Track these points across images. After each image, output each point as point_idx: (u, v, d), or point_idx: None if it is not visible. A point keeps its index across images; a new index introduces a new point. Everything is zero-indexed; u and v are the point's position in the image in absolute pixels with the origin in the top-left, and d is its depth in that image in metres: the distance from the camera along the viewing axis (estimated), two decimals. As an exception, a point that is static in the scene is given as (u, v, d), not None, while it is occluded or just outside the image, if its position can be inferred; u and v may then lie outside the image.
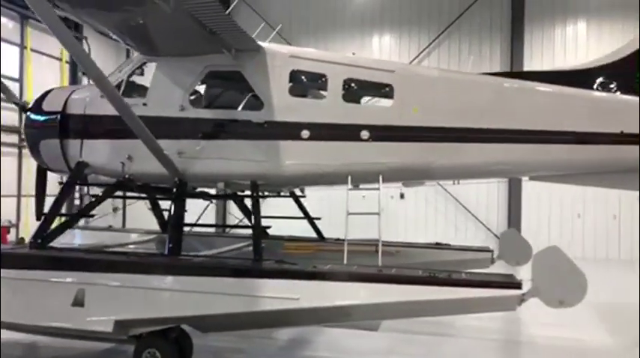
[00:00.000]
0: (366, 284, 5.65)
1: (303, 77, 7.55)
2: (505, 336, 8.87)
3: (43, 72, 17.82)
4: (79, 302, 5.93)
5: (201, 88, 7.71)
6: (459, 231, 20.04)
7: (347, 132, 6.72)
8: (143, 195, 8.21)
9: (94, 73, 5.70)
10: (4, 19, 16.40)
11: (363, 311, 5.76)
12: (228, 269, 6.09)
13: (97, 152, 7.19)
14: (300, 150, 6.74)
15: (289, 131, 6.74)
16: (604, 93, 6.73)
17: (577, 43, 19.33)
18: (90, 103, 7.25)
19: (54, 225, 7.12)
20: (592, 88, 6.80)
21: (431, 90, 6.88)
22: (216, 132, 6.85)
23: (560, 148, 6.47)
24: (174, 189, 7.02)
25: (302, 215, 9.47)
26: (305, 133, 6.69)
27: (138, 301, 5.90)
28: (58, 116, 7.33)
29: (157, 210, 9.33)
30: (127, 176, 7.04)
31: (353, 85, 7.30)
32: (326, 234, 9.36)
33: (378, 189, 6.66)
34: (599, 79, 6.84)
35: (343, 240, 6.47)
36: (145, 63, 7.30)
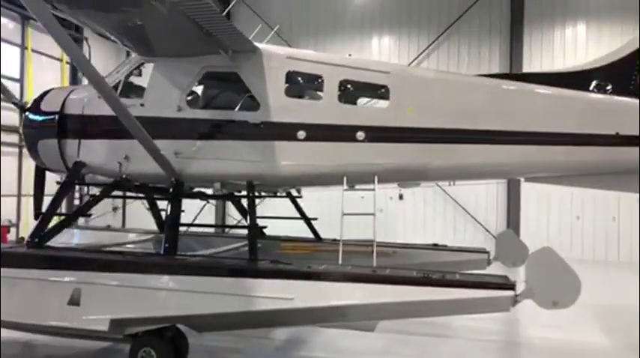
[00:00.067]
0: (360, 285, 5.68)
1: (299, 78, 7.59)
2: (501, 337, 8.88)
3: (44, 72, 17.88)
4: (75, 301, 5.97)
5: (198, 89, 7.73)
6: (458, 232, 20.04)
7: (343, 133, 6.75)
8: (140, 195, 8.24)
9: (91, 74, 5.74)
10: (5, 20, 16.46)
11: (357, 312, 5.78)
12: (223, 269, 6.13)
13: (95, 152, 7.23)
14: (296, 150, 6.78)
15: (285, 132, 6.77)
16: (599, 95, 6.76)
17: (576, 45, 19.33)
18: (88, 104, 7.29)
19: (52, 225, 7.15)
20: (589, 90, 6.83)
21: (426, 91, 6.91)
22: (212, 133, 6.90)
23: (555, 150, 6.49)
24: (171, 189, 7.05)
25: (298, 215, 9.50)
26: (301, 134, 6.73)
27: (133, 300, 5.94)
28: (56, 116, 7.37)
29: (154, 209, 9.38)
30: (124, 176, 7.08)
31: (349, 86, 7.33)
32: (326, 235, 9.38)
33: (373, 189, 6.69)
34: (595, 81, 6.88)
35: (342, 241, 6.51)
36: (142, 63, 7.34)
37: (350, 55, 8.32)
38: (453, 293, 5.48)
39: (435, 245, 9.37)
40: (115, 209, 20.22)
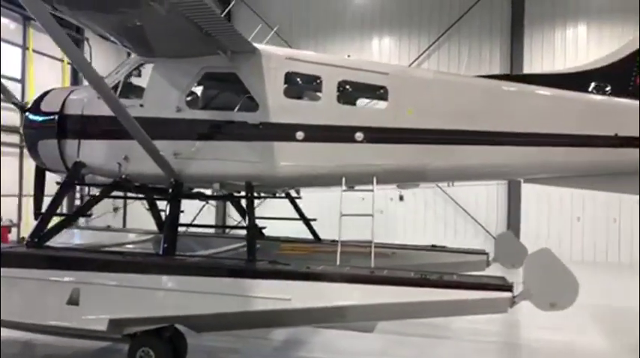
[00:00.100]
0: (358, 286, 5.68)
1: (298, 79, 7.61)
2: (500, 339, 8.88)
3: (45, 73, 17.94)
4: (74, 301, 5.98)
5: (198, 90, 7.75)
6: (459, 233, 20.04)
7: (341, 134, 6.76)
8: (140, 196, 8.26)
9: (90, 74, 5.76)
10: (6, 20, 16.52)
11: (354, 312, 5.78)
12: (221, 269, 6.14)
13: (94, 152, 7.25)
14: (294, 151, 6.79)
15: (284, 132, 6.78)
16: (598, 96, 6.75)
17: (577, 46, 19.34)
18: (87, 104, 7.31)
19: (51, 225, 7.17)
20: (588, 91, 6.83)
21: (425, 92, 6.91)
22: (211, 133, 6.91)
23: (554, 151, 6.49)
24: (170, 190, 7.06)
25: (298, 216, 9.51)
26: (300, 135, 6.74)
27: (132, 300, 5.95)
28: (56, 116, 7.39)
29: (154, 210, 9.39)
30: (123, 176, 7.10)
31: (348, 87, 7.34)
32: (326, 235, 9.39)
33: (372, 190, 6.70)
34: (594, 82, 6.87)
35: (342, 242, 6.52)
36: (142, 64, 7.36)
37: (349, 55, 8.31)
38: (451, 294, 5.48)
39: (434, 246, 9.37)
40: (115, 209, 20.26)
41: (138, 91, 7.45)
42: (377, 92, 7.35)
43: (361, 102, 7.76)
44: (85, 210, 7.62)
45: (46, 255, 6.49)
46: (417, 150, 6.69)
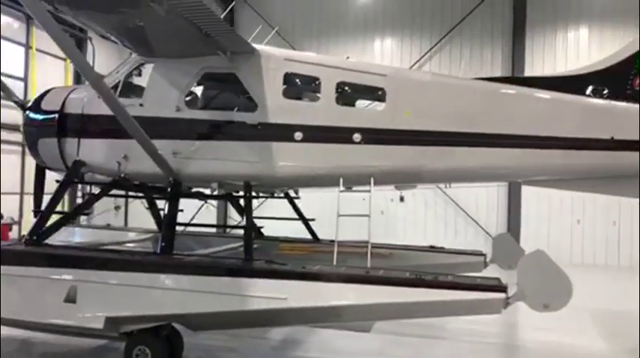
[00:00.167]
0: (353, 286, 5.72)
1: (297, 80, 7.65)
2: (496, 340, 8.89)
3: (48, 71, 18.02)
4: (71, 299, 6.03)
5: (197, 89, 7.79)
6: (459, 234, 20.05)
7: (339, 135, 6.80)
8: (139, 195, 8.32)
9: (88, 73, 5.82)
10: (9, 19, 16.60)
11: (350, 312, 5.83)
12: (218, 268, 6.19)
13: (94, 151, 7.31)
14: (293, 152, 6.83)
15: (282, 133, 6.83)
16: (595, 99, 6.78)
17: (579, 49, 19.33)
18: (87, 103, 7.36)
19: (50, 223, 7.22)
20: (585, 94, 6.85)
21: (423, 94, 6.94)
22: (210, 133, 6.96)
23: (550, 153, 6.51)
24: (169, 189, 7.11)
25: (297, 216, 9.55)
26: (298, 135, 6.78)
27: (129, 298, 6.00)
28: (56, 115, 7.45)
29: (153, 209, 9.44)
30: (122, 175, 7.15)
31: (346, 88, 7.38)
32: (327, 235, 9.41)
33: (369, 191, 6.74)
34: (592, 85, 6.89)
35: (339, 242, 6.56)
36: (142, 64, 7.41)
37: (348, 57, 8.35)
38: (445, 294, 5.52)
39: (432, 247, 9.41)
40: (117, 208, 20.33)
41: (138, 91, 7.50)
42: (375, 93, 7.38)
43: (360, 103, 7.79)
44: (83, 208, 7.66)
45: (43, 253, 6.55)
46: (415, 151, 6.72)
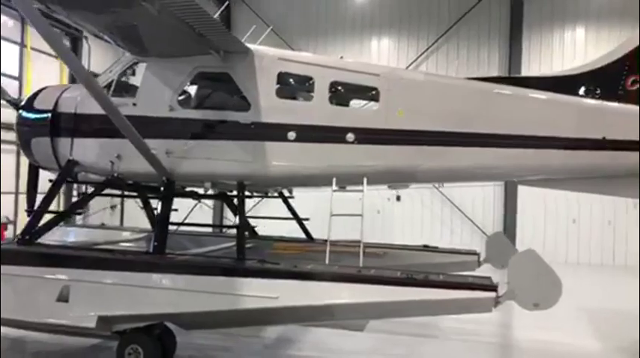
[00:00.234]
0: (345, 285, 5.74)
1: (290, 79, 7.66)
2: (490, 339, 8.91)
3: (43, 70, 17.98)
4: (63, 298, 6.03)
5: (190, 89, 7.79)
6: (455, 233, 20.09)
7: (333, 135, 6.80)
8: (133, 194, 8.32)
9: (80, 72, 5.82)
10: (4, 18, 16.56)
11: (341, 311, 5.84)
12: (210, 267, 6.20)
13: (87, 150, 7.30)
14: (286, 151, 6.84)
15: (276, 132, 6.83)
16: (587, 99, 6.81)
17: (575, 49, 19.39)
18: (80, 102, 7.35)
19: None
20: (578, 94, 6.88)
21: (416, 93, 6.96)
22: (203, 133, 6.96)
23: (542, 153, 6.53)
24: (162, 188, 7.11)
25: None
26: (291, 135, 6.79)
27: (121, 297, 6.00)
28: (49, 114, 7.44)
29: (147, 208, 9.43)
30: (116, 174, 7.15)
31: (339, 87, 7.39)
32: (322, 235, 9.42)
33: (362, 191, 6.75)
34: (585, 85, 6.92)
35: (333, 241, 6.58)
36: (135, 63, 7.41)
37: (342, 57, 8.37)
38: (436, 293, 5.53)
39: (426, 246, 9.43)
40: (113, 207, 20.32)
41: (132, 90, 7.50)
42: (368, 93, 7.40)
43: (353, 103, 7.80)
44: (76, 208, 7.66)
45: (36, 253, 6.55)
46: (408, 151, 6.74)
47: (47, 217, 7.29)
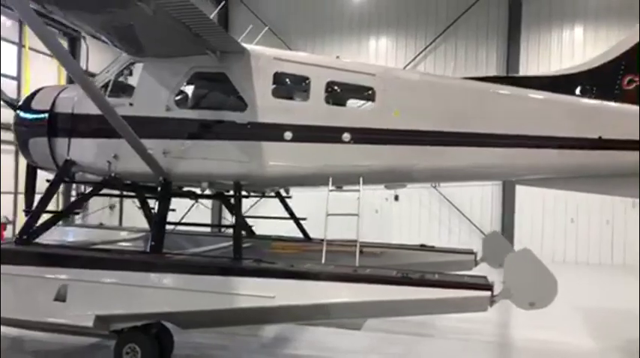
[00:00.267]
0: (340, 284, 5.76)
1: (286, 79, 7.67)
2: (487, 338, 8.93)
3: (41, 71, 17.99)
4: (61, 297, 6.05)
5: (187, 89, 7.81)
6: (453, 233, 20.13)
7: (329, 135, 6.82)
8: (130, 194, 8.34)
9: (76, 72, 5.83)
10: (2, 18, 16.58)
11: (337, 310, 5.86)
12: (206, 267, 6.22)
13: (84, 150, 7.32)
14: (282, 151, 6.86)
15: (272, 132, 6.85)
16: (583, 99, 6.82)
17: (573, 49, 19.42)
18: (77, 102, 7.37)
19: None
20: (574, 93, 6.90)
21: (412, 93, 6.98)
22: (200, 133, 6.98)
23: (539, 152, 6.54)
24: (159, 188, 7.13)
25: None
26: (287, 135, 6.81)
27: (118, 297, 6.02)
28: (47, 115, 7.46)
29: (145, 208, 9.44)
30: (113, 174, 7.17)
31: (335, 87, 7.41)
32: (319, 234, 9.42)
33: (358, 190, 6.77)
34: (581, 84, 6.94)
35: (330, 241, 6.61)
36: (132, 63, 7.42)
37: (338, 57, 8.39)
38: (431, 292, 5.55)
39: (423, 245, 9.45)
40: (111, 207, 20.34)
41: (129, 90, 7.52)
42: (364, 93, 7.41)
43: (349, 103, 7.82)
44: (73, 207, 7.68)
45: (33, 252, 6.57)
46: (404, 151, 6.75)
47: (45, 217, 7.32)
